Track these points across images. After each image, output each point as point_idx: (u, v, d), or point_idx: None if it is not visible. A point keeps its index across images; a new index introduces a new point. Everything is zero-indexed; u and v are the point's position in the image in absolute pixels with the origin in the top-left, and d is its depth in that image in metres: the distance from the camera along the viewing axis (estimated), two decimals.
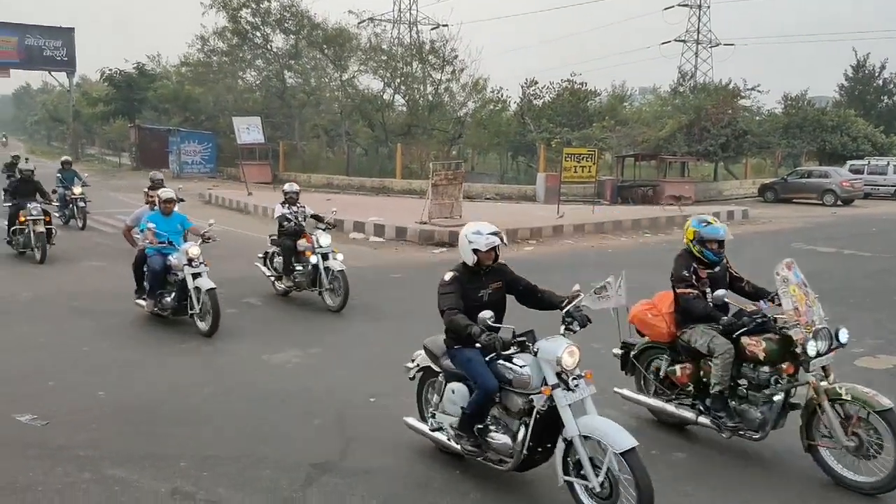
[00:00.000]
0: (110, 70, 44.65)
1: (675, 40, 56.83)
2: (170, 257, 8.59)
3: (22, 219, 12.62)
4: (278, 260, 10.27)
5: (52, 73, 51.55)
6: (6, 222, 13.42)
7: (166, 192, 9.17)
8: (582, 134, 29.89)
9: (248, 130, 25.95)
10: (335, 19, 39.01)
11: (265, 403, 6.30)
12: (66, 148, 55.15)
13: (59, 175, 17.86)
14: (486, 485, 4.83)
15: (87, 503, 4.52)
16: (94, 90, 54.49)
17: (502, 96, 36.75)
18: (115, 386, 6.62)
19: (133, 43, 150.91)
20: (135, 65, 45.25)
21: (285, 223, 10.08)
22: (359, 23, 38.89)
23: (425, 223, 16.46)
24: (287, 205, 10.25)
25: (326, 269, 9.51)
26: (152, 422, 5.84)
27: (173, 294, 8.53)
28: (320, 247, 9.56)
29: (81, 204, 16.91)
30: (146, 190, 13.90)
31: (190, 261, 8.32)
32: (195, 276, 8.34)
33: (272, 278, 10.35)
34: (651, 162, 30.07)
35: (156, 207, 9.34)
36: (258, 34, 37.97)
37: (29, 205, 12.63)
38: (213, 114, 38.92)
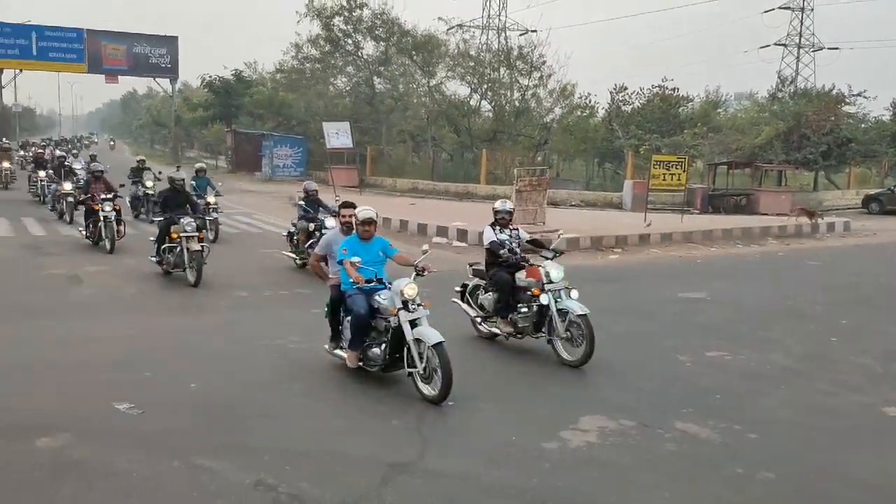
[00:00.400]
0: (210, 77, 46.72)
1: (776, 44, 54.64)
2: (376, 297, 6.74)
3: (174, 235, 11.33)
4: (486, 297, 8.33)
5: (157, 79, 54.15)
6: (154, 238, 12.11)
7: (365, 212, 7.03)
8: (672, 141, 29.13)
9: (338, 135, 26.56)
10: (424, 26, 39.47)
11: (346, 402, 6.41)
12: (168, 151, 57.96)
13: (192, 182, 16.90)
14: (560, 492, 4.74)
15: (176, 490, 4.70)
16: (195, 96, 57.10)
17: (590, 102, 36.30)
18: (207, 379, 6.87)
19: (233, 50, 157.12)
20: (233, 72, 47.18)
21: (502, 252, 8.07)
22: (448, 29, 39.32)
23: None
24: (498, 227, 8.30)
25: (561, 311, 7.47)
26: (239, 414, 6.03)
27: (383, 345, 6.64)
28: (550, 282, 7.55)
29: (214, 214, 15.97)
30: (300, 202, 13.13)
31: (405, 303, 6.46)
32: (413, 323, 6.44)
33: (478, 318, 8.37)
34: (745, 170, 28.94)
35: (342, 228, 7.57)
36: (350, 41, 38.90)
37: (182, 220, 11.38)
38: (305, 119, 40.06)
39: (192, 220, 11.46)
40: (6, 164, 27.53)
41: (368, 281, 6.63)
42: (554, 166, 39.54)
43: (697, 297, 11.08)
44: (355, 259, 6.65)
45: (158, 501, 4.59)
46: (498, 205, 8.57)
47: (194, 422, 5.83)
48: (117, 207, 14.11)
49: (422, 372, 6.32)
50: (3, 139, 35.70)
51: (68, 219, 17.76)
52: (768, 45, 54.36)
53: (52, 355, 7.50)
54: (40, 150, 29.74)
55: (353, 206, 7.49)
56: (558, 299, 7.51)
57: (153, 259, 11.90)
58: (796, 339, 8.78)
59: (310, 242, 11.92)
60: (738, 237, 18.28)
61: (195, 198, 15.72)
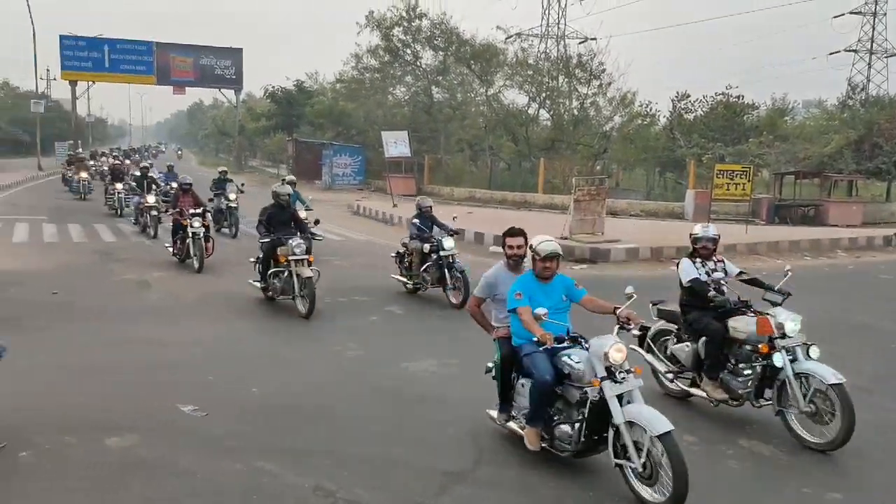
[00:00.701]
0: (273, 87, 47.85)
1: (846, 50, 52.89)
2: (564, 359, 5.08)
3: (282, 258, 10.01)
4: (681, 348, 6.76)
5: (222, 90, 55.73)
6: (256, 260, 10.85)
7: (547, 244, 5.37)
8: (736, 150, 28.42)
9: (396, 144, 26.85)
10: (483, 35, 39.58)
11: (403, 408, 6.46)
12: (231, 160, 59.49)
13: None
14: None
15: (238, 492, 4.81)
16: (258, 106, 58.54)
17: (651, 110, 35.75)
18: (267, 382, 7.02)
19: (296, 61, 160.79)
20: (295, 82, 48.21)
21: (711, 294, 6.55)
22: (506, 38, 39.32)
23: (566, 238, 16.23)
24: (700, 259, 6.77)
25: (799, 376, 6.02)
26: (298, 418, 6.14)
27: (577, 424, 4.99)
28: (784, 336, 6.08)
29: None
30: (414, 220, 11.46)
31: (609, 370, 4.80)
32: (621, 398, 4.79)
33: (669, 374, 6.83)
34: (814, 180, 28.00)
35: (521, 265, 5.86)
36: (409, 51, 39.29)
37: (291, 241, 9.90)
38: (364, 128, 40.59)
39: (301, 241, 9.95)
40: (83, 175, 26.96)
41: (559, 340, 5.03)
42: (613, 175, 39.04)
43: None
44: (541, 311, 4.98)
45: (221, 502, 4.71)
46: (698, 230, 6.74)
47: (256, 425, 5.96)
48: (206, 224, 13.38)
49: (640, 470, 4.66)
50: (79, 149, 36.90)
51: (152, 233, 17.28)
52: (838, 52, 52.67)
53: (121, 357, 7.78)
54: (117, 162, 28.83)
55: (522, 234, 5.86)
56: (794, 359, 5.91)
57: (257, 284, 10.64)
58: (866, 356, 8.45)
59: (425, 266, 10.91)
60: (805, 249, 17.69)
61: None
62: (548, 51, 43.71)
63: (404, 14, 37.93)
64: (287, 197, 10.98)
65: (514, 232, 5.85)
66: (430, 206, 11.74)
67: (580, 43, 43.05)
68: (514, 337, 5.48)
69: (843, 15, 51.64)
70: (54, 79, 60.59)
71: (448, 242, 10.74)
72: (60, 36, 49.00)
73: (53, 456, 5.23)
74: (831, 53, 53.30)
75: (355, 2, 38.80)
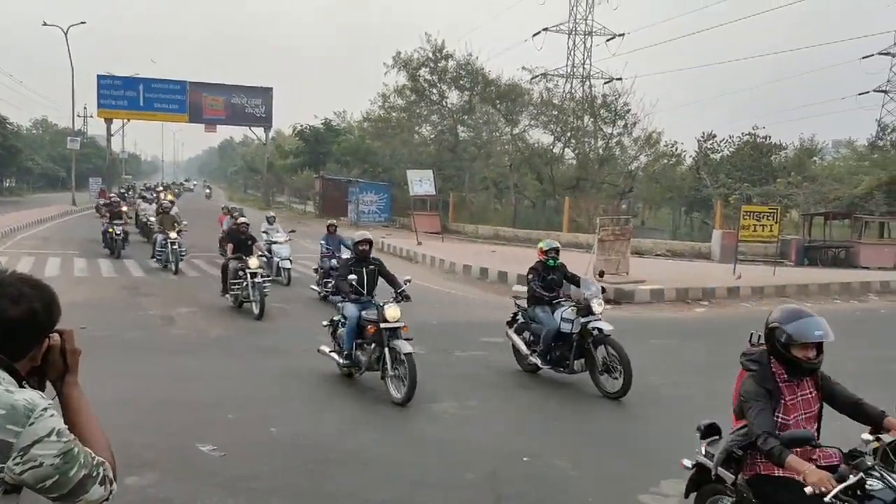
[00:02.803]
0: (301, 126, 48.71)
1: (875, 90, 52.51)
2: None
3: (371, 329, 7.98)
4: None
5: (252, 128, 56.78)
6: (330, 324, 8.80)
7: None
8: (764, 190, 28.25)
9: (421, 182, 27.06)
10: (508, 75, 40.05)
11: (422, 451, 6.38)
12: (260, 196, 60.36)
13: (322, 241, 15.18)
14: None
15: None
16: (287, 143, 59.53)
17: (676, 150, 35.76)
18: (287, 423, 6.99)
19: (324, 99, 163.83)
20: (322, 121, 49.04)
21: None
22: (532, 78, 39.71)
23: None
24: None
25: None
26: (318, 460, 6.08)
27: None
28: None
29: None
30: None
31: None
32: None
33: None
34: (844, 221, 27.65)
35: None
36: (434, 91, 39.87)
37: (386, 309, 7.78)
38: (390, 166, 41.05)
39: (394, 303, 7.99)
40: (173, 236, 17.65)
41: None
42: (639, 214, 38.95)
43: None
44: None
45: None
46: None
47: (273, 466, 5.92)
48: (262, 270, 12.62)
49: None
50: (121, 188, 36.35)
51: (174, 269, 17.32)
52: (867, 92, 52.28)
53: (143, 392, 7.82)
54: (167, 204, 20.39)
55: None
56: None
57: (333, 355, 8.54)
58: (893, 409, 8.19)
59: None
60: (835, 292, 17.36)
61: (329, 257, 14.35)
62: (573, 91, 44.02)
63: (431, 55, 38.62)
64: (366, 246, 8.87)
65: None
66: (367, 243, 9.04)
67: (606, 83, 43.35)
68: None
69: (871, 56, 51.38)
70: (91, 116, 62.35)
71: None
72: (98, 75, 50.52)
73: None
74: (861, 94, 52.84)
75: (384, 43, 39.56)
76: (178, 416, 7.04)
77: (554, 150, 37.20)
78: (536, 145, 37.54)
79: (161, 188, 45.20)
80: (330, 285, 13.00)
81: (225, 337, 10.97)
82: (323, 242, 15.18)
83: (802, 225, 27.73)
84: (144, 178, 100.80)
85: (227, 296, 13.02)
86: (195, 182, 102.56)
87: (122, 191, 41.60)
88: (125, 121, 54.15)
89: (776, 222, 19.20)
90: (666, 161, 35.62)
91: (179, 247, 17.40)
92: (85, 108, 67.38)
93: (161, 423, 6.81)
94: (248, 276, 12.47)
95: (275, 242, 16.46)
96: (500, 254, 23.03)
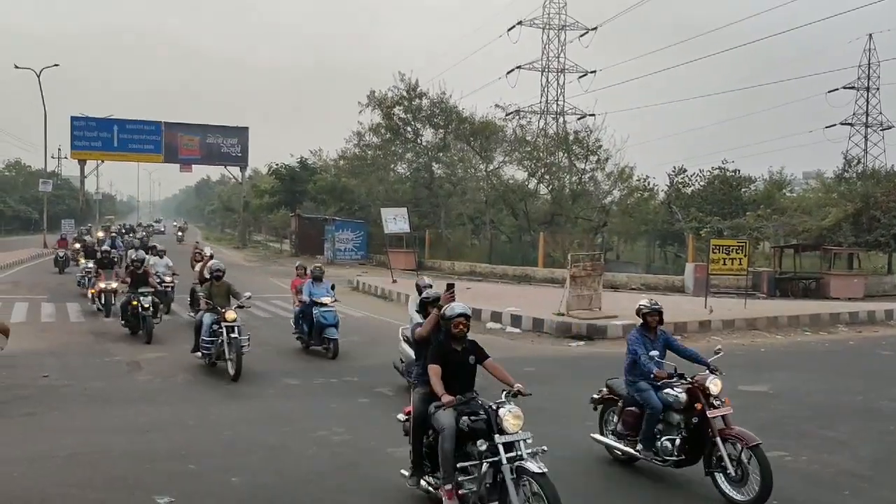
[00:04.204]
0: (277, 165, 48.79)
1: (842, 123, 53.87)
2: None
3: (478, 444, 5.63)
4: None
5: (228, 167, 56.53)
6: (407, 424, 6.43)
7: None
8: (734, 223, 28.66)
9: (395, 220, 27.11)
10: (482, 113, 40.50)
11: (391, 499, 6.28)
12: (237, 235, 60.04)
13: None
14: None
15: None
16: (263, 181, 59.49)
17: (649, 184, 36.23)
18: (248, 472, 6.86)
19: (299, 139, 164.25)
20: (298, 160, 49.14)
21: None
22: (506, 115, 40.18)
23: (563, 315, 16.18)
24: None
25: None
26: None
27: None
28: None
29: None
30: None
31: None
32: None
33: None
34: (815, 253, 28.06)
35: None
36: (409, 129, 40.20)
37: (503, 414, 5.50)
38: (366, 203, 41.11)
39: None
40: (231, 318, 11.30)
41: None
42: (614, 248, 39.24)
43: (759, 390, 10.59)
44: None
45: None
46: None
47: None
48: (238, 324, 11.17)
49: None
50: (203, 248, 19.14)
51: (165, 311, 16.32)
52: (834, 125, 53.60)
53: (103, 445, 7.65)
54: (217, 266, 12.78)
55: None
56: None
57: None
58: (865, 440, 8.24)
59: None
60: (805, 324, 17.52)
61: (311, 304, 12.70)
62: (546, 127, 44.65)
63: (405, 94, 38.98)
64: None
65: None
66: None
67: (579, 119, 44.04)
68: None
69: (837, 90, 52.79)
70: (65, 157, 61.89)
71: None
72: (72, 117, 50.23)
73: None
74: (827, 127, 54.18)
75: (358, 81, 39.94)
76: (136, 469, 6.88)
77: (528, 186, 37.53)
78: (511, 181, 37.86)
79: (119, 231, 41.29)
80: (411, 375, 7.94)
81: (192, 383, 10.79)
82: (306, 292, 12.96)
83: (773, 257, 28.09)
84: (121, 218, 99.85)
85: (198, 353, 11.48)
86: (165, 223, 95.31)
87: (111, 233, 36.65)
88: (99, 162, 53.82)
89: (745, 255, 19.42)
90: (639, 195, 36.06)
91: (239, 334, 10.92)
92: (59, 149, 66.98)
93: (117, 478, 6.66)
94: (225, 330, 10.91)
95: (320, 304, 12.70)
96: (475, 290, 23.02)
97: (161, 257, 18.27)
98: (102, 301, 17.13)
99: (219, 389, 10.34)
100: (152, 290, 14.42)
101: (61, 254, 29.02)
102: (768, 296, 24.25)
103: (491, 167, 38.27)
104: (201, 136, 53.05)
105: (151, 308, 13.93)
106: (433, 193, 39.12)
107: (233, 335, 10.83)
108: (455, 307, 5.87)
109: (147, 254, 17.77)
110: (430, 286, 9.19)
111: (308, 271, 13.85)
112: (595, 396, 7.52)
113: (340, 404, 9.55)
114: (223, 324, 10.97)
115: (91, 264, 20.01)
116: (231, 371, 10.78)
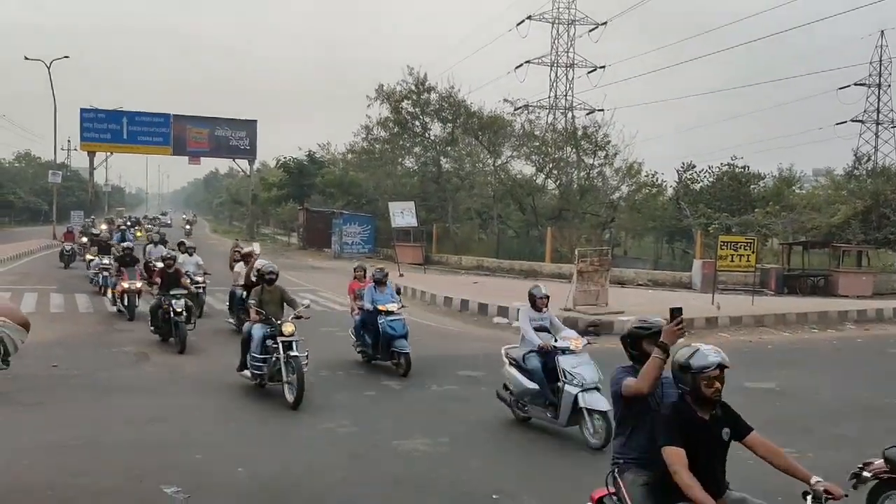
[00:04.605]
0: (285, 158, 48.83)
1: (852, 120, 53.51)
2: None
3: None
4: None
5: (236, 160, 56.69)
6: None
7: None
8: (743, 220, 28.53)
9: (403, 214, 27.15)
10: (490, 107, 40.47)
11: (393, 491, 6.31)
12: (244, 228, 60.17)
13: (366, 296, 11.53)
14: None
15: None
16: (271, 175, 59.52)
17: (657, 180, 36.11)
18: (255, 463, 6.90)
19: (309, 130, 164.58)
20: (306, 153, 49.19)
21: None
22: (515, 109, 40.12)
23: (569, 310, 16.16)
24: None
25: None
26: (283, 501, 6.00)
27: None
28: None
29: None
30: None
31: None
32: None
33: None
34: (824, 250, 27.92)
35: None
36: (417, 123, 40.20)
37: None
38: (374, 197, 41.18)
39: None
40: (289, 331, 9.49)
41: None
42: (622, 244, 39.15)
43: (765, 387, 10.56)
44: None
45: None
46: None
47: None
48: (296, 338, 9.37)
49: None
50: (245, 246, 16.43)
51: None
52: (844, 122, 53.26)
53: (111, 434, 7.71)
54: (269, 268, 10.65)
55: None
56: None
57: None
58: (872, 438, 8.17)
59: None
60: (813, 321, 17.46)
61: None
62: (555, 122, 44.56)
63: (413, 88, 38.99)
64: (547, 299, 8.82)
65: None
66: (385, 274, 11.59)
67: (588, 114, 43.89)
68: None
69: (848, 86, 52.41)
70: (75, 149, 62.04)
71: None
72: (81, 109, 50.48)
73: None
74: (838, 123, 53.83)
75: (367, 75, 40.00)
76: (144, 459, 6.93)
77: (536, 181, 37.49)
78: (519, 176, 37.84)
79: (126, 224, 37.25)
80: (523, 407, 8.33)
81: (198, 374, 10.85)
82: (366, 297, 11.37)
83: (782, 254, 27.97)
84: (129, 210, 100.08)
85: (246, 372, 9.64)
86: (172, 215, 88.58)
87: (122, 223, 34.99)
88: (108, 154, 54.01)
89: (753, 252, 19.36)
90: (647, 191, 35.96)
91: (294, 349, 9.17)
92: (69, 141, 67.17)
93: (125, 467, 6.70)
94: (281, 347, 9.04)
95: (385, 313, 10.97)
96: (482, 285, 23.04)
97: (191, 255, 16.90)
98: (125, 302, 15.66)
99: (227, 381, 10.38)
100: (185, 292, 12.96)
101: (68, 247, 27.39)
102: (776, 293, 24.16)
103: (499, 162, 38.25)
104: (210, 129, 53.21)
105: (185, 312, 12.38)
106: (441, 188, 39.12)
107: (291, 353, 8.95)
108: (706, 353, 3.78)
109: (171, 250, 16.24)
110: (548, 296, 8.56)
111: (370, 274, 12.14)
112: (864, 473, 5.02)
113: (346, 397, 9.59)
114: (279, 339, 9.05)
115: (106, 260, 18.96)
116: (290, 397, 8.85)
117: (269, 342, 9.20)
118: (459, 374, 11.10)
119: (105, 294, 18.33)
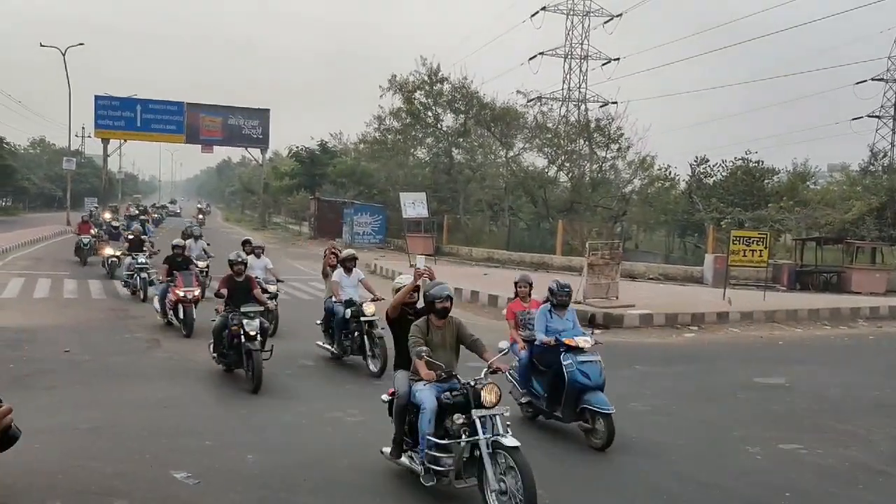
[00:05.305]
0: (297, 147, 48.93)
1: (869, 116, 52.92)
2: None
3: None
4: None
5: (249, 149, 56.85)
6: None
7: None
8: (756, 215, 28.33)
9: (414, 205, 27.16)
10: (503, 99, 40.31)
11: (399, 479, 6.35)
12: (256, 216, 60.37)
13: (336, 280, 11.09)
14: None
15: None
16: (283, 164, 59.71)
17: (670, 174, 35.92)
18: (264, 450, 6.95)
19: (321, 120, 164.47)
20: (318, 143, 49.26)
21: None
22: (528, 101, 39.97)
23: (579, 303, 16.12)
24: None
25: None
26: (292, 489, 6.04)
27: None
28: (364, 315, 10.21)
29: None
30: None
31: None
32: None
33: None
34: (837, 246, 27.69)
35: None
36: (430, 114, 40.12)
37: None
38: (385, 187, 41.20)
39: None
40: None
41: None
42: (633, 237, 39.01)
43: (776, 382, 10.53)
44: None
45: None
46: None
47: (246, 496, 5.88)
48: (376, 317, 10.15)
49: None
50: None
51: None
52: (860, 117, 52.71)
53: (123, 419, 7.79)
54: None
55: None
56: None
57: None
58: (883, 434, 8.16)
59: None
60: (825, 318, 17.36)
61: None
62: (567, 114, 44.36)
63: (426, 78, 38.91)
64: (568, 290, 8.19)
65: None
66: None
67: (601, 107, 43.68)
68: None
69: (864, 81, 51.81)
70: (89, 136, 62.43)
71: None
72: (96, 96, 50.75)
73: None
74: (854, 119, 53.26)
75: (380, 66, 40.04)
76: (154, 444, 6.99)
77: (548, 173, 37.36)
78: (531, 168, 37.73)
79: (133, 211, 35.57)
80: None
81: (209, 361, 10.90)
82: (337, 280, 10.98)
83: (795, 249, 27.76)
84: (144, 198, 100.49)
85: (323, 343, 11.03)
86: (182, 203, 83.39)
87: (134, 212, 33.34)
88: (122, 141, 54.30)
89: (766, 248, 19.23)
90: (660, 185, 35.76)
91: (376, 326, 10.06)
92: (83, 128, 67.58)
93: (136, 451, 6.77)
94: (364, 325, 10.32)
95: (573, 349, 7.99)
96: (492, 276, 23.02)
97: (258, 257, 13.74)
98: (181, 315, 12.67)
99: (238, 370, 10.44)
100: (261, 309, 9.92)
101: (85, 240, 23.19)
102: (788, 289, 24.00)
103: (511, 154, 38.16)
104: (223, 118, 53.39)
105: (259, 336, 9.36)
106: (452, 179, 39.08)
107: (374, 331, 10.15)
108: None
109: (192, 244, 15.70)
110: (569, 292, 8.15)
111: (550, 294, 8.17)
112: None
113: (354, 386, 9.63)
114: (362, 318, 10.29)
115: (142, 258, 16.88)
116: (373, 367, 10.13)
117: (353, 322, 10.45)
118: (468, 365, 11.10)
119: (148, 301, 15.33)
